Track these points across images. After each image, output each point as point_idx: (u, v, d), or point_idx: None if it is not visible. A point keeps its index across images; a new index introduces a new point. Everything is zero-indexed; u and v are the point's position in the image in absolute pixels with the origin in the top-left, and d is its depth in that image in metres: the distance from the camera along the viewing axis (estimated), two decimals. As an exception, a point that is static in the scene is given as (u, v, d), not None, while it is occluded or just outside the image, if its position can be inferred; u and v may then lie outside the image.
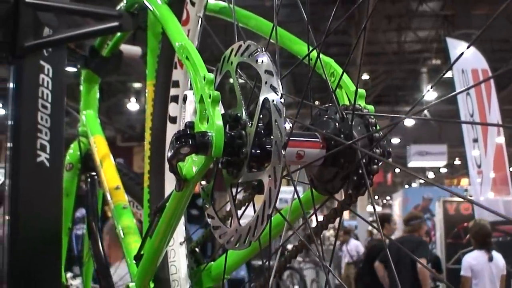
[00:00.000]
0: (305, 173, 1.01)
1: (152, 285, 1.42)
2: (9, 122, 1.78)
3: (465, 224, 9.52)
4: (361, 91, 0.99)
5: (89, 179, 2.12)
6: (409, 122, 22.57)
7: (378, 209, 28.75)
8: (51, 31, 1.91)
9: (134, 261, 1.40)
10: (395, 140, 25.25)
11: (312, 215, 0.99)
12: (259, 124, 0.88)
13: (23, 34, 1.82)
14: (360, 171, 0.90)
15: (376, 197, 35.86)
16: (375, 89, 18.73)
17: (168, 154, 0.91)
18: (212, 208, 1.01)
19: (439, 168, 29.25)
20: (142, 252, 1.36)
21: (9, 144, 1.77)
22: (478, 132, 9.95)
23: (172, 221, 1.12)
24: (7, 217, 1.76)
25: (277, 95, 0.83)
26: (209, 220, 1.01)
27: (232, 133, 0.89)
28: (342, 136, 0.92)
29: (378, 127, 0.92)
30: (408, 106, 21.58)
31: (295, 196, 1.01)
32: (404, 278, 6.63)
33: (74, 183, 2.29)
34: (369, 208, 22.72)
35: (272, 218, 0.96)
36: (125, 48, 2.35)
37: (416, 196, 16.78)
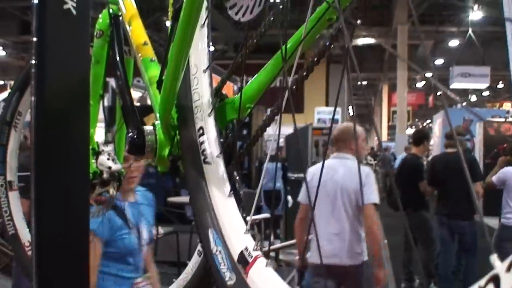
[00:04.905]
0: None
1: (175, 115, 1.41)
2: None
3: (505, 145, 9.39)
4: None
5: (112, 20, 2.10)
6: (453, 43, 22.08)
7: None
8: None
9: (157, 89, 1.39)
10: (439, 61, 24.80)
11: None
12: None
13: None
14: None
15: (416, 120, 35.56)
16: (419, 8, 18.24)
17: None
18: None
19: (482, 91, 28.74)
20: (163, 78, 1.35)
21: (35, -10, 1.74)
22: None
23: (192, 15, 1.08)
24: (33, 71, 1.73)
25: None
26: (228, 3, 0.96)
27: None
28: None
29: None
30: (453, 26, 21.05)
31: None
32: (455, 196, 6.54)
33: (104, 50, 2.28)
34: (408, 131, 22.55)
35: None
36: None
37: (457, 118, 16.55)
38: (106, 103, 2.34)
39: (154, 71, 1.77)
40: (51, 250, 1.48)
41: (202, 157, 1.26)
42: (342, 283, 4.30)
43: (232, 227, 1.10)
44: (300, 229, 4.64)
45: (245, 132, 9.34)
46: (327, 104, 23.21)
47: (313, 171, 4.57)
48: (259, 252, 0.99)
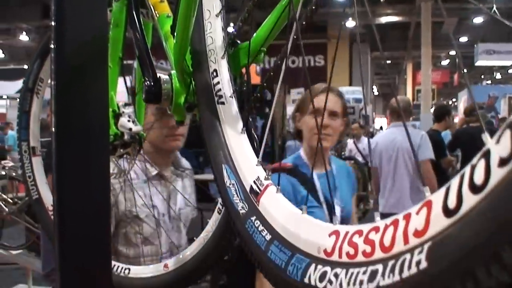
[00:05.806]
0: None
1: (190, 61, 1.43)
2: None
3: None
4: None
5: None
6: (477, 20, 21.79)
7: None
8: None
9: (171, 34, 1.41)
10: (463, 39, 24.50)
11: None
12: None
13: None
14: None
15: (441, 98, 35.18)
16: (443, -16, 18.01)
17: None
18: None
19: (507, 68, 28.34)
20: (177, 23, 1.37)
21: None
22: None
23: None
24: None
25: None
26: None
27: None
28: None
29: None
30: (478, 2, 20.73)
31: None
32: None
33: (123, 13, 2.29)
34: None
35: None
36: None
37: (482, 94, 16.42)
38: (128, 84, 2.35)
39: (169, 26, 1.79)
40: (73, 212, 1.50)
41: (216, 98, 1.28)
42: None
43: (245, 160, 1.12)
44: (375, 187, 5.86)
45: (267, 110, 9.23)
46: (350, 84, 23.11)
47: (375, 140, 5.57)
48: (270, 181, 1.01)
